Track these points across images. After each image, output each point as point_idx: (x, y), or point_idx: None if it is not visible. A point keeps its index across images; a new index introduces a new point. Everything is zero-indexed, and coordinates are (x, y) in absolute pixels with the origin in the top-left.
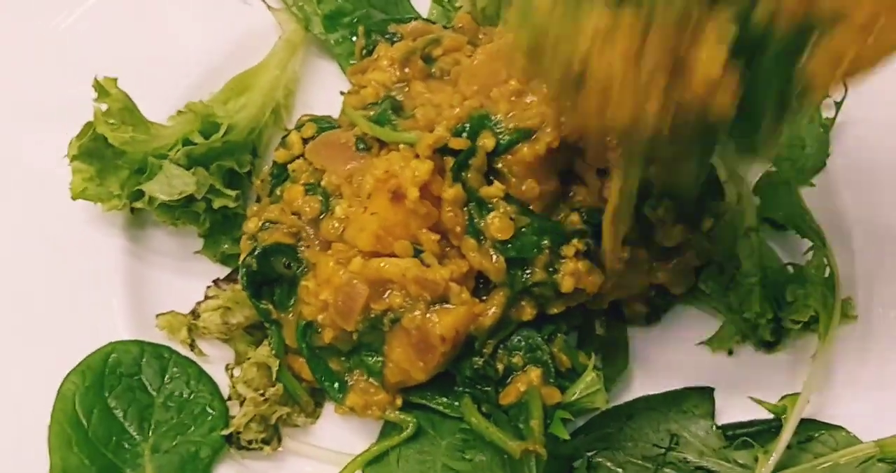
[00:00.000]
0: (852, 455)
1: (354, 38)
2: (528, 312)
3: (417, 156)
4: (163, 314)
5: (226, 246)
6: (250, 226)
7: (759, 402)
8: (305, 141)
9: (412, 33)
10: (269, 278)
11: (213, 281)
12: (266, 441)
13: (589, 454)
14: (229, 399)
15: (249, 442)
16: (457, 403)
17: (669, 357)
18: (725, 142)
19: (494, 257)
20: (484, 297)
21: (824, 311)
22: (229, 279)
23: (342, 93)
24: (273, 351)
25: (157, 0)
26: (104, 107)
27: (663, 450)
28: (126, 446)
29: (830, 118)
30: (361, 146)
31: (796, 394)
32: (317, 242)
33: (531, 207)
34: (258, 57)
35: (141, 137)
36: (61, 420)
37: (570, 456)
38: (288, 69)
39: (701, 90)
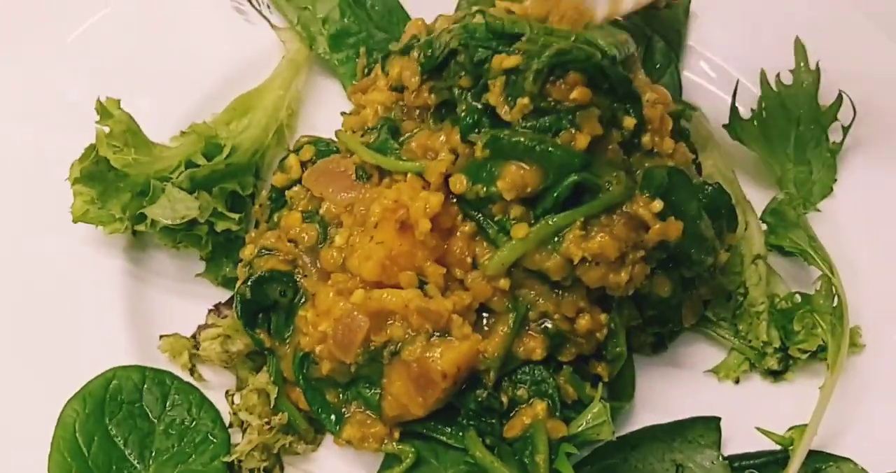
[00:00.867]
0: None
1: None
2: (537, 352)
3: (425, 186)
4: (166, 336)
5: (227, 268)
6: (246, 252)
7: (767, 433)
8: (304, 164)
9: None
10: (265, 306)
11: (215, 306)
12: (268, 470)
13: None
14: (230, 426)
15: (251, 471)
16: (461, 434)
17: (675, 385)
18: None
19: (502, 281)
20: (486, 328)
21: (833, 341)
22: (230, 303)
23: (343, 114)
24: (272, 378)
25: (161, 19)
26: (107, 129)
27: None
28: None
29: (837, 143)
30: (361, 174)
31: (804, 425)
32: (314, 271)
33: None
34: (262, 76)
35: (143, 159)
36: (61, 448)
37: None
38: (291, 89)
39: None
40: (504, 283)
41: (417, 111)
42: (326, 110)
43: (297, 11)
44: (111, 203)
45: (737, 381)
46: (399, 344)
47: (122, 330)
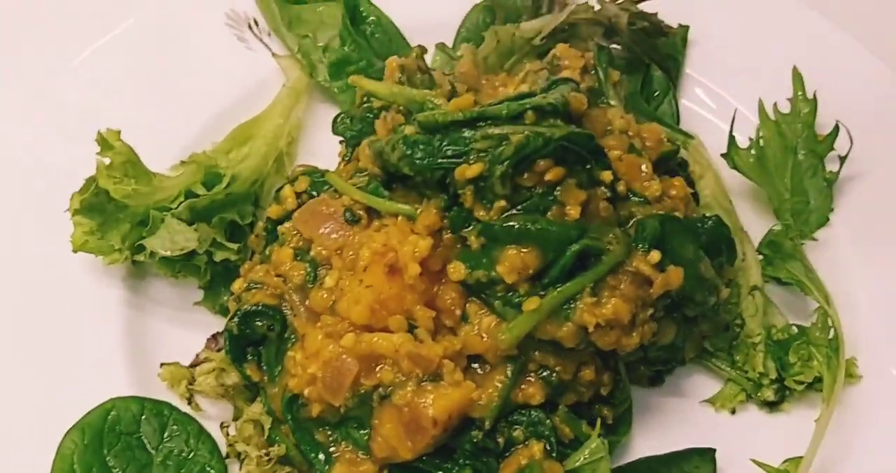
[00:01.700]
0: None
1: None
2: (536, 398)
3: (414, 230)
4: (167, 364)
5: (226, 297)
6: (236, 286)
7: (762, 465)
8: (299, 194)
9: None
10: (253, 340)
11: (212, 336)
12: None
13: None
14: (227, 457)
15: None
16: (456, 470)
17: (671, 415)
18: None
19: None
20: (481, 373)
21: (828, 372)
22: None
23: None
24: (265, 409)
25: (161, 48)
26: (107, 160)
27: None
28: None
29: (834, 172)
30: (350, 216)
31: (800, 457)
32: (303, 310)
33: None
34: (262, 105)
35: (143, 190)
36: None
37: None
38: (292, 117)
39: None
40: (511, 351)
41: None
42: (327, 138)
43: (297, 39)
44: (111, 234)
45: (733, 412)
46: (389, 388)
47: (120, 360)
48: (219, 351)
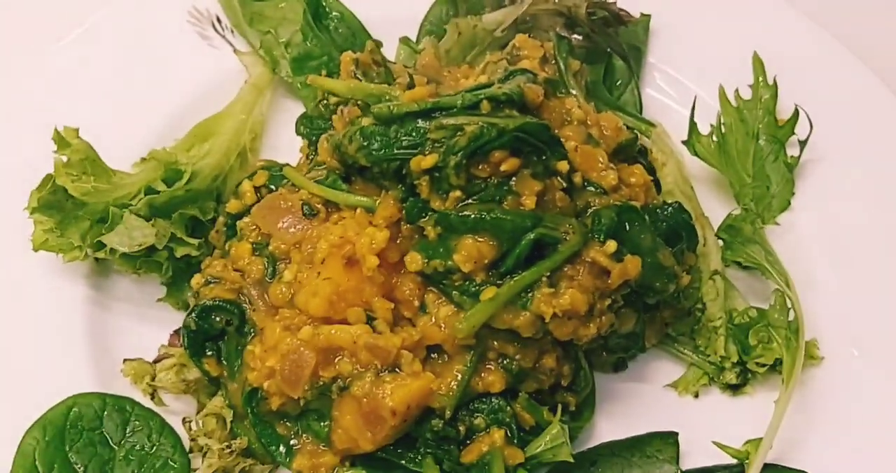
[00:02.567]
0: None
1: None
2: (496, 386)
3: (372, 222)
4: (130, 360)
5: (188, 293)
6: (194, 281)
7: (722, 447)
8: (258, 189)
9: None
10: (212, 335)
11: (175, 331)
12: None
13: None
14: (191, 451)
15: None
16: (419, 459)
17: (635, 400)
18: None
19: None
20: (441, 363)
21: (787, 354)
22: None
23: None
24: (226, 403)
25: (123, 46)
26: (65, 158)
27: None
28: None
29: (795, 157)
30: (307, 210)
31: (760, 439)
32: (262, 304)
33: None
34: (225, 101)
35: (103, 187)
36: None
37: None
38: (255, 113)
39: None
40: (469, 340)
41: None
42: (290, 133)
43: (259, 35)
44: (70, 231)
45: (696, 395)
46: (348, 380)
47: (84, 357)
48: (180, 346)
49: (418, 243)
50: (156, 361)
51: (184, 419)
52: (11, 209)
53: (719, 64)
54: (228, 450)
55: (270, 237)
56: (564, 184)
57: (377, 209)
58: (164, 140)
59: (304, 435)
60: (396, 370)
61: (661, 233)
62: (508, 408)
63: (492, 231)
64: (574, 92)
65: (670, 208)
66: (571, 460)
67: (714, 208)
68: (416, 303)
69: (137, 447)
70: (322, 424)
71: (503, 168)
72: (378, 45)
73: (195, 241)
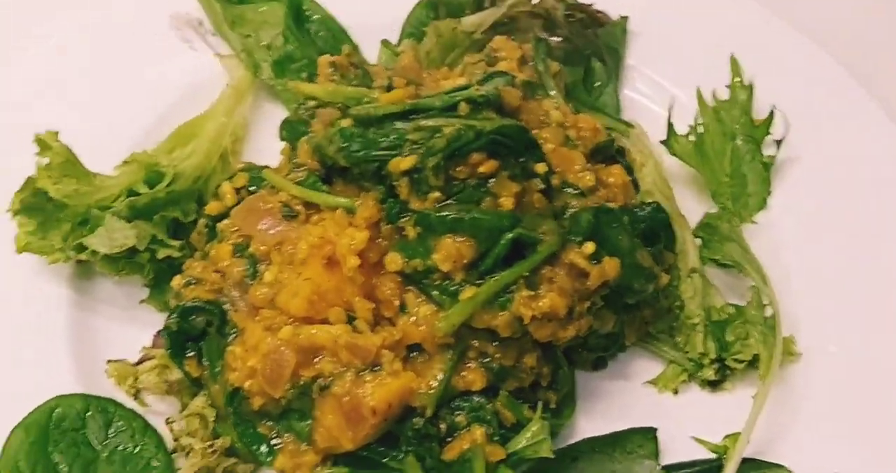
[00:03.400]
0: None
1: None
2: (477, 384)
3: (352, 223)
4: (113, 361)
5: (171, 295)
6: (174, 283)
7: (701, 442)
8: (238, 190)
9: None
10: (193, 336)
11: (158, 332)
12: None
13: None
14: (174, 451)
15: None
16: (401, 457)
17: (615, 397)
18: None
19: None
20: (421, 361)
21: (765, 350)
22: None
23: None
24: (208, 402)
25: (103, 48)
26: (45, 161)
27: None
28: None
29: (771, 156)
30: (287, 212)
31: (738, 434)
32: (243, 305)
33: None
34: (206, 104)
35: (84, 189)
36: None
37: None
38: (236, 115)
39: None
40: (449, 339)
41: None
42: (272, 135)
43: (240, 39)
44: (52, 233)
45: (675, 392)
46: (329, 379)
47: (68, 359)
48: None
49: (398, 243)
50: (138, 362)
51: (167, 419)
52: None
53: (697, 65)
54: (211, 450)
55: (251, 238)
56: (542, 186)
57: (357, 210)
58: (146, 142)
59: (285, 435)
60: (377, 369)
61: (640, 233)
62: (489, 406)
63: (470, 231)
64: (552, 93)
65: (649, 208)
66: (552, 456)
67: (692, 207)
68: (397, 303)
69: (120, 447)
70: (303, 423)
71: (481, 170)
72: (354, 47)
73: (177, 243)
